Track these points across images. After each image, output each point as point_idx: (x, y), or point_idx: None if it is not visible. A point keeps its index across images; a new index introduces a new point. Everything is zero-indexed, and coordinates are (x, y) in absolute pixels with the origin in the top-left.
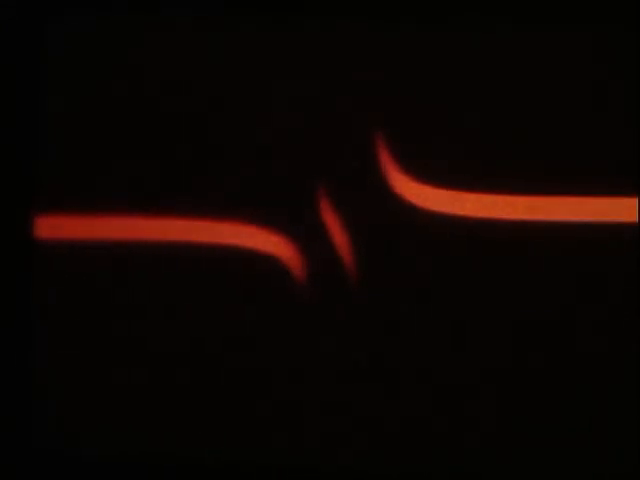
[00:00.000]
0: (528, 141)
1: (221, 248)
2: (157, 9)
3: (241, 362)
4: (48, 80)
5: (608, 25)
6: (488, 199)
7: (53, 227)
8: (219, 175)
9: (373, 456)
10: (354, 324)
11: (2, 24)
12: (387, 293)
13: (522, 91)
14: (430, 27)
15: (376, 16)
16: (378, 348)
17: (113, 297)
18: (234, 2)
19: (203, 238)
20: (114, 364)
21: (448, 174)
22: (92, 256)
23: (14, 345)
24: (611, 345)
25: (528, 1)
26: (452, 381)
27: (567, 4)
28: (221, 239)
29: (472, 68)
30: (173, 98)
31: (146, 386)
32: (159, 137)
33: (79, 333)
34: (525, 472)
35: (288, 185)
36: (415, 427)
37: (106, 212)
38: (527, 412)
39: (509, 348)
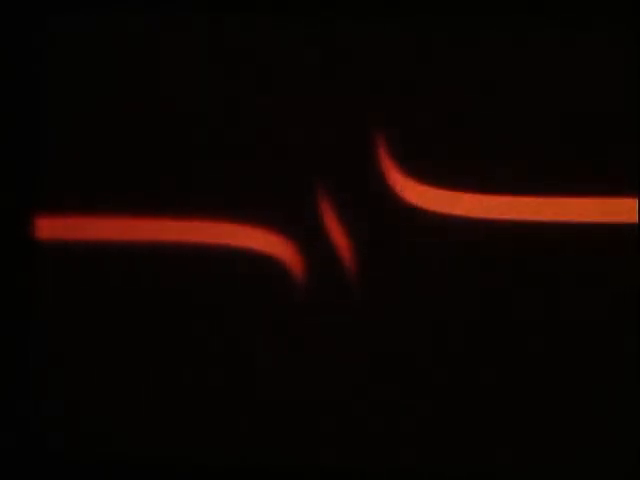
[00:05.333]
0: (528, 141)
1: (221, 248)
2: (157, 9)
3: (241, 362)
4: (48, 80)
5: (608, 25)
6: (487, 199)
7: (53, 227)
8: (218, 175)
9: (373, 456)
10: (354, 324)
11: (2, 24)
12: (387, 293)
13: (522, 92)
14: (431, 27)
15: (376, 16)
16: (378, 348)
17: (112, 297)
18: (234, 2)
19: (203, 238)
20: (114, 364)
21: (447, 174)
22: (92, 256)
23: (14, 345)
24: (611, 345)
25: (529, 2)
26: (452, 380)
27: (566, 4)
28: (221, 239)
29: (472, 68)
30: (173, 98)
31: (146, 386)
32: (159, 137)
33: (79, 333)
34: (525, 472)
35: (288, 185)
36: (415, 426)
37: (106, 212)
38: (525, 412)
39: (509, 347)
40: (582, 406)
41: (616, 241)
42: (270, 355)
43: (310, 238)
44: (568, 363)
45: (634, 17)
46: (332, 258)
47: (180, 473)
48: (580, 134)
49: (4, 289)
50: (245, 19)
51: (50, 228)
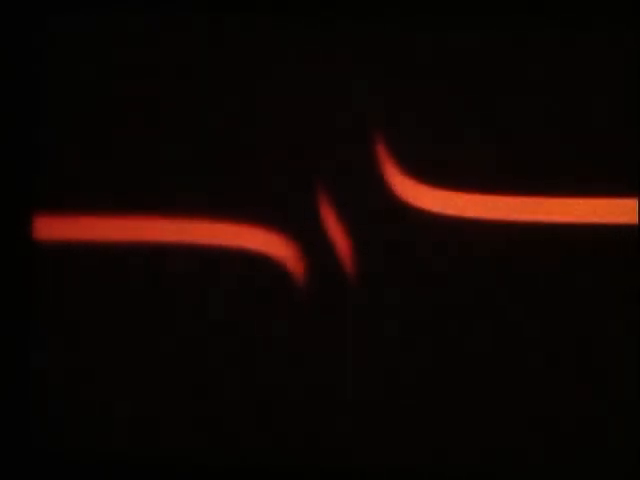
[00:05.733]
0: (528, 141)
1: (221, 248)
2: (157, 9)
3: (241, 362)
4: (48, 80)
5: (608, 25)
6: (487, 199)
7: (53, 227)
8: (219, 175)
9: (373, 455)
10: (354, 324)
11: (2, 24)
12: (386, 293)
13: (522, 92)
14: (430, 28)
15: (377, 16)
16: (378, 348)
17: (112, 297)
18: (234, 2)
19: (203, 238)
20: (113, 364)
21: (447, 174)
22: (92, 256)
23: (14, 345)
24: (611, 345)
25: (529, 3)
26: (452, 380)
27: (566, 4)
28: (221, 239)
29: (472, 68)
30: (173, 98)
31: (146, 386)
32: (158, 137)
33: (79, 333)
34: (525, 472)
35: (288, 185)
36: (414, 426)
37: (106, 212)
38: (525, 412)
39: (508, 347)
40: (582, 406)
41: (616, 241)
42: (270, 355)
43: (310, 238)
44: (568, 363)
45: (634, 17)
46: (332, 258)
47: (180, 473)
48: (580, 134)
49: (4, 289)
50: (245, 19)
51: (50, 228)
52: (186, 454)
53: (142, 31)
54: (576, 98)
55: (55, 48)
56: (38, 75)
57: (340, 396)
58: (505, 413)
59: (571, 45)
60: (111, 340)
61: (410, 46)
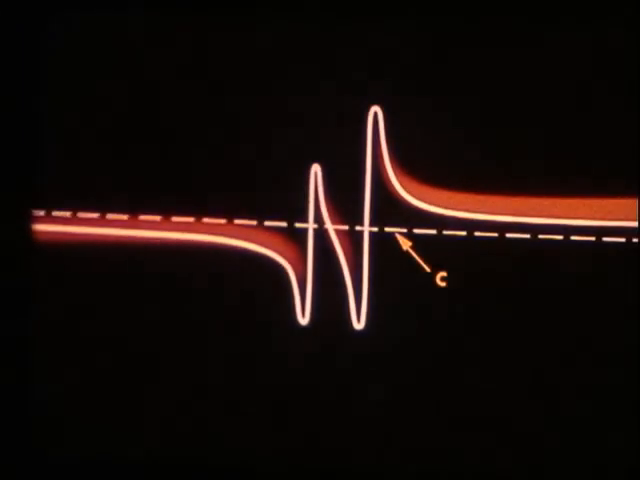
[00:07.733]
0: (528, 141)
1: (221, 248)
2: (157, 9)
3: (240, 363)
4: (48, 80)
5: (608, 25)
6: (487, 199)
7: (53, 227)
8: (219, 175)
9: (373, 456)
10: (354, 324)
11: (2, 24)
12: (386, 293)
13: (522, 91)
14: (430, 25)
15: (376, 13)
16: (378, 348)
17: (112, 297)
18: (234, 2)
19: (203, 238)
20: (113, 364)
21: (447, 174)
22: (91, 256)
23: (14, 345)
24: (611, 346)
25: (528, 2)
26: (453, 381)
27: (566, 4)
28: (221, 239)
29: (472, 67)
30: (172, 98)
31: (146, 386)
32: (159, 137)
33: (79, 333)
34: (525, 472)
35: (288, 185)
36: (414, 427)
37: (105, 212)
38: (527, 413)
39: (509, 348)
40: (582, 407)
41: (616, 241)
42: (269, 355)
43: (309, 238)
44: (568, 362)
45: (634, 16)
46: (332, 258)
47: (180, 473)
48: (580, 134)
49: (3, 289)
50: (245, 19)
51: (50, 228)
52: (185, 455)
53: (142, 31)
54: (576, 98)
55: (55, 48)
56: (38, 75)
57: (340, 396)
58: (505, 414)
59: (571, 44)
60: (111, 340)
61: (410, 45)
